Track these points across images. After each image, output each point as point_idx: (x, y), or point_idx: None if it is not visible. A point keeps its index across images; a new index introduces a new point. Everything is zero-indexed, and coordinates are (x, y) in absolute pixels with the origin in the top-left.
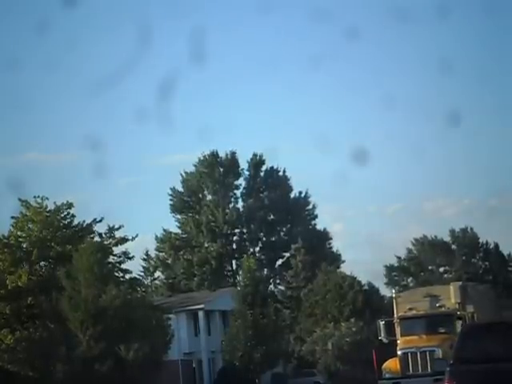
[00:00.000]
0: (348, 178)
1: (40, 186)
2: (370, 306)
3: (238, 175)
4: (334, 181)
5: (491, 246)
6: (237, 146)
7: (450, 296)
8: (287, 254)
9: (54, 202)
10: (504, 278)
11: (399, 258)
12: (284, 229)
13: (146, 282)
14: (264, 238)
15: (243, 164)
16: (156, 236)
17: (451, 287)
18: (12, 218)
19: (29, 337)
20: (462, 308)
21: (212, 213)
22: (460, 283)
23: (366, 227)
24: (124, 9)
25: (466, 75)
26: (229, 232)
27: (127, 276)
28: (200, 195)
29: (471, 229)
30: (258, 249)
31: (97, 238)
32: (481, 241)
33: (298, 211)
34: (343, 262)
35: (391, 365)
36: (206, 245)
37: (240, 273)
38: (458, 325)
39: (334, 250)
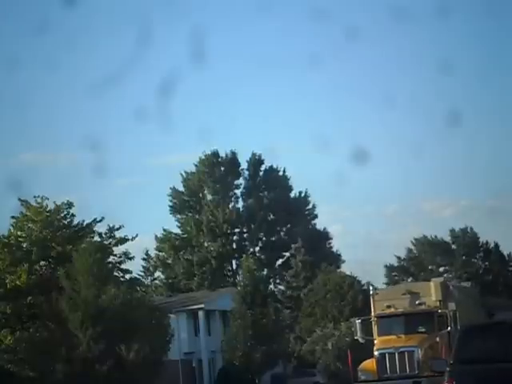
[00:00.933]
0: (347, 178)
1: (40, 186)
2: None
3: (238, 175)
4: (334, 181)
5: (491, 246)
6: (237, 145)
7: (431, 293)
8: (287, 254)
9: (54, 202)
10: (504, 277)
11: (399, 257)
12: (284, 229)
13: (145, 282)
14: (264, 238)
15: (243, 164)
16: (156, 236)
17: (432, 284)
18: (12, 217)
19: (29, 337)
20: (443, 306)
21: (212, 213)
22: (441, 279)
23: (365, 227)
24: (124, 9)
25: (465, 75)
26: (229, 232)
27: (127, 276)
28: (200, 195)
29: (471, 229)
30: (258, 249)
31: (97, 238)
32: (481, 241)
33: (298, 211)
34: (343, 262)
35: (367, 366)
36: (206, 245)
37: (240, 273)
38: (439, 324)
39: (334, 250)
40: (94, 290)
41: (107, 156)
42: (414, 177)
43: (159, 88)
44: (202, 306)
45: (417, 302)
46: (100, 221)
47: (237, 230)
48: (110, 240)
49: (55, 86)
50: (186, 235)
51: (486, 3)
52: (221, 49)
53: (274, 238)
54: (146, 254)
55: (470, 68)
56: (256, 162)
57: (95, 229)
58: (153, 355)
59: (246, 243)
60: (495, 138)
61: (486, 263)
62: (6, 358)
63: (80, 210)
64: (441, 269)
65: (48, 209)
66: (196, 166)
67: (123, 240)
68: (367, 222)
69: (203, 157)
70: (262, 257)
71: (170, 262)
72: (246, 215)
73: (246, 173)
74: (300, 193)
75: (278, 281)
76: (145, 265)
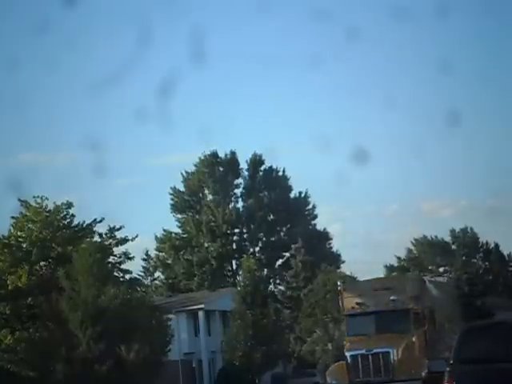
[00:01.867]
0: (347, 178)
1: (40, 186)
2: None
3: (237, 175)
4: (334, 181)
5: (491, 246)
6: (237, 145)
7: (406, 289)
8: (287, 254)
9: (54, 202)
10: (504, 277)
11: (399, 258)
12: (284, 229)
13: (145, 282)
14: (264, 238)
15: (243, 164)
16: (156, 236)
17: (407, 279)
18: (12, 218)
19: (29, 337)
20: (419, 303)
21: (212, 213)
22: (416, 274)
23: (365, 227)
24: (124, 9)
25: (465, 75)
26: (229, 232)
27: (127, 276)
28: (200, 195)
29: (471, 229)
30: (257, 249)
31: (97, 239)
32: (481, 241)
33: (298, 211)
34: (343, 262)
35: (337, 370)
36: (206, 245)
37: (240, 273)
38: (415, 322)
39: (334, 250)
40: (94, 290)
41: (107, 156)
42: (413, 177)
43: (159, 88)
44: (202, 306)
45: (390, 299)
46: (100, 221)
47: (237, 230)
48: (110, 240)
49: (55, 85)
50: (185, 235)
51: (486, 3)
52: (221, 49)
53: (273, 238)
54: (146, 254)
55: (470, 68)
56: (256, 162)
57: (95, 229)
58: (153, 355)
59: (246, 243)
60: (495, 138)
61: (486, 263)
62: (6, 357)
63: (80, 210)
64: (441, 269)
65: (48, 209)
66: (196, 166)
67: (123, 240)
68: (367, 222)
69: (203, 157)
70: (262, 257)
71: (169, 262)
72: (246, 215)
73: (246, 173)
74: (300, 193)
75: (278, 281)
76: (145, 265)
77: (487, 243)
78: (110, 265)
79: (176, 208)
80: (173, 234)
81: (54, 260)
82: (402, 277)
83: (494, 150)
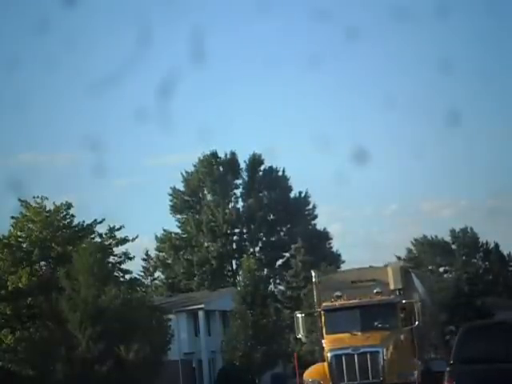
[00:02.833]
0: (347, 178)
1: (40, 186)
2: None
3: (237, 175)
4: (334, 181)
5: (491, 246)
6: (237, 145)
7: (389, 280)
8: (287, 254)
9: (54, 203)
10: (504, 277)
11: (399, 258)
12: (284, 229)
13: (145, 282)
14: (264, 238)
15: (243, 164)
16: (156, 236)
17: (389, 269)
18: (12, 218)
19: (29, 337)
20: (405, 296)
21: (212, 213)
22: (401, 263)
23: (365, 227)
24: (124, 9)
25: (466, 75)
26: (229, 232)
27: (127, 276)
28: (200, 195)
29: (471, 229)
30: (257, 249)
31: (97, 239)
32: (481, 241)
33: (298, 211)
34: (343, 262)
35: (316, 372)
36: (206, 245)
37: (240, 273)
38: (402, 318)
39: (334, 250)
40: (94, 290)
41: (107, 156)
42: (413, 177)
43: (159, 88)
44: (202, 306)
45: (375, 291)
46: (100, 222)
47: (237, 230)
48: (111, 240)
49: (55, 85)
50: (186, 235)
51: (487, 2)
52: (221, 49)
53: (273, 238)
54: (146, 254)
55: (470, 68)
56: (255, 161)
57: (95, 229)
58: (153, 355)
59: (246, 243)
60: (495, 138)
61: (486, 263)
62: (6, 357)
63: (80, 210)
64: (441, 269)
65: (48, 209)
66: (195, 166)
67: (123, 240)
68: (367, 222)
69: (202, 157)
70: (262, 257)
71: (169, 262)
72: (246, 215)
73: (246, 173)
74: (300, 193)
75: (278, 281)
76: (145, 265)
77: (487, 243)
78: (110, 265)
79: (176, 208)
80: (173, 234)
81: (54, 260)
82: (384, 267)
83: (494, 149)
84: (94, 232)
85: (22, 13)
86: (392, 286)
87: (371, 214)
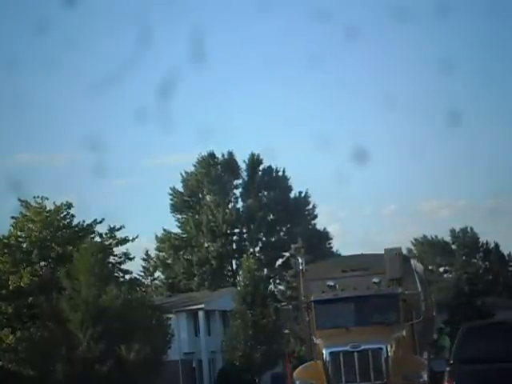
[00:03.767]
0: (347, 178)
1: (40, 186)
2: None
3: (236, 175)
4: (333, 181)
5: (491, 246)
6: (237, 145)
7: (385, 269)
8: (287, 254)
9: (54, 203)
10: (504, 277)
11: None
12: (284, 229)
13: (145, 282)
14: (264, 238)
15: (243, 164)
16: (156, 236)
17: (386, 256)
18: (12, 218)
19: (29, 337)
20: (403, 287)
21: (212, 213)
22: (399, 249)
23: (365, 227)
24: (124, 9)
25: (466, 75)
26: (228, 232)
27: (127, 276)
28: (200, 195)
29: (471, 229)
30: (257, 249)
31: (97, 239)
32: (481, 241)
33: (298, 211)
34: None
35: (310, 372)
36: (206, 245)
37: (240, 273)
38: (405, 311)
39: (334, 249)
40: (95, 290)
41: (106, 156)
42: (413, 176)
43: (159, 88)
44: (202, 306)
45: (373, 281)
46: (100, 222)
47: (237, 230)
48: (111, 240)
49: (55, 85)
50: (185, 235)
51: (487, 2)
52: (220, 48)
53: (273, 238)
54: (146, 254)
55: (471, 68)
56: (255, 161)
57: (96, 229)
58: (153, 355)
59: (246, 243)
60: (495, 137)
61: (486, 263)
62: (7, 357)
63: (80, 210)
64: (441, 269)
65: (48, 209)
66: (194, 166)
67: (124, 241)
68: (366, 222)
69: (201, 157)
70: (262, 257)
71: (169, 262)
72: (246, 215)
73: (245, 173)
74: (300, 193)
75: (278, 281)
76: (145, 265)
77: (487, 243)
78: (110, 265)
79: (176, 208)
80: (172, 234)
81: (54, 260)
82: (380, 254)
83: (495, 149)
84: (94, 232)
85: (22, 13)
86: (389, 276)
87: (371, 213)
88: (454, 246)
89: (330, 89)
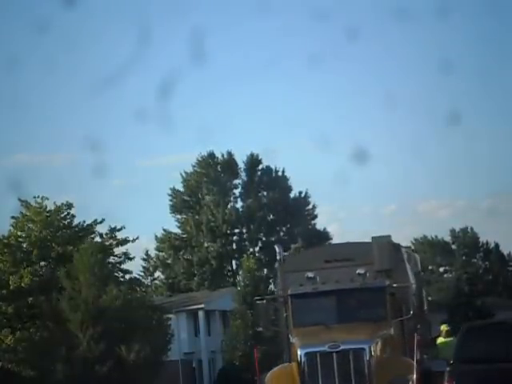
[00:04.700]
0: (347, 178)
1: (40, 186)
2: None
3: (236, 175)
4: (333, 181)
5: (491, 246)
6: (237, 145)
7: (373, 259)
8: (287, 254)
9: (54, 202)
10: (504, 277)
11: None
12: (284, 229)
13: (146, 282)
14: (264, 238)
15: (243, 164)
16: (156, 236)
17: (374, 245)
18: (12, 218)
19: (29, 337)
20: (394, 280)
21: (212, 213)
22: (388, 237)
23: (364, 227)
24: (124, 9)
25: (466, 75)
26: (228, 232)
27: (127, 276)
28: (199, 195)
29: (471, 229)
30: (257, 249)
31: (97, 239)
32: (481, 241)
33: (298, 211)
34: None
35: (282, 376)
36: (206, 245)
37: (240, 273)
38: (393, 306)
39: None
40: (95, 290)
41: (106, 156)
42: (413, 176)
43: (158, 88)
44: (202, 306)
45: (357, 272)
46: (101, 222)
47: (236, 230)
48: (111, 241)
49: (54, 85)
50: (185, 235)
51: (487, 3)
52: (220, 49)
53: (273, 238)
54: (146, 254)
55: (471, 68)
56: (254, 161)
57: (96, 229)
58: (153, 355)
59: (246, 243)
60: (495, 137)
61: (486, 263)
62: (6, 357)
63: (80, 210)
64: (441, 269)
65: (48, 209)
66: (194, 166)
67: (124, 241)
68: (366, 222)
69: (200, 158)
70: (262, 257)
71: (169, 262)
72: (246, 215)
73: (244, 173)
74: (300, 193)
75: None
76: (145, 265)
77: (487, 243)
78: (110, 265)
79: (175, 208)
80: (172, 234)
81: (54, 260)
82: (368, 243)
83: (495, 149)
84: (94, 232)
85: (22, 12)
86: (377, 267)
87: (370, 213)
88: (454, 246)
89: (329, 89)
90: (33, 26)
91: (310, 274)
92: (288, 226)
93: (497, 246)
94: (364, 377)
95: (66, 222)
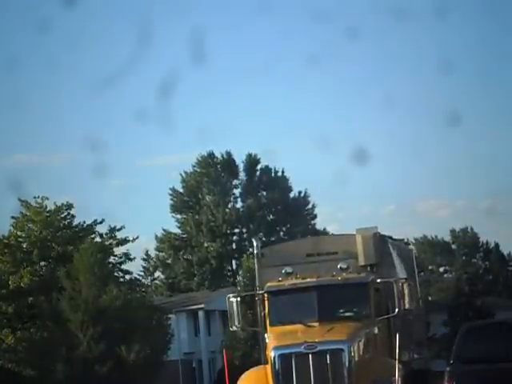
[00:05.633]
0: (346, 178)
1: (40, 186)
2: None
3: (236, 175)
4: (333, 181)
5: (491, 246)
6: (236, 145)
7: (357, 252)
8: None
9: (54, 203)
10: (504, 277)
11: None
12: (284, 229)
13: (146, 282)
14: (264, 238)
15: (242, 164)
16: (156, 236)
17: (359, 237)
18: (12, 218)
19: (29, 337)
20: (380, 274)
21: (211, 213)
22: (374, 229)
23: (363, 227)
24: (124, 9)
25: (466, 75)
26: (228, 232)
27: (127, 276)
28: (199, 195)
29: (471, 229)
30: None
31: (97, 239)
32: (481, 241)
33: (298, 211)
34: None
35: (254, 379)
36: (206, 245)
37: (240, 273)
38: (377, 303)
39: None
40: (95, 290)
41: (106, 156)
42: (413, 176)
43: (158, 88)
44: (202, 306)
45: (339, 267)
46: (100, 222)
47: (236, 230)
48: (111, 241)
49: (54, 85)
50: (185, 235)
51: (487, 3)
52: (220, 49)
53: (273, 238)
54: (146, 254)
55: (471, 68)
56: (254, 161)
57: (96, 229)
58: (153, 355)
59: (246, 243)
60: (495, 137)
61: (486, 263)
62: (7, 357)
63: (79, 210)
64: (441, 269)
65: (48, 209)
66: (194, 166)
67: (124, 241)
68: (366, 222)
69: (200, 158)
70: None
71: (169, 262)
72: (246, 215)
73: (244, 173)
74: (299, 193)
75: None
76: (145, 265)
77: (487, 243)
78: (110, 265)
79: (175, 208)
80: (172, 234)
81: (54, 260)
82: (352, 235)
83: (494, 149)
84: (94, 232)
85: (22, 12)
86: (362, 261)
87: (370, 213)
88: (454, 246)
89: (329, 89)
90: (33, 26)
91: (289, 269)
92: (288, 225)
93: (497, 246)
94: (343, 379)
95: (66, 222)
